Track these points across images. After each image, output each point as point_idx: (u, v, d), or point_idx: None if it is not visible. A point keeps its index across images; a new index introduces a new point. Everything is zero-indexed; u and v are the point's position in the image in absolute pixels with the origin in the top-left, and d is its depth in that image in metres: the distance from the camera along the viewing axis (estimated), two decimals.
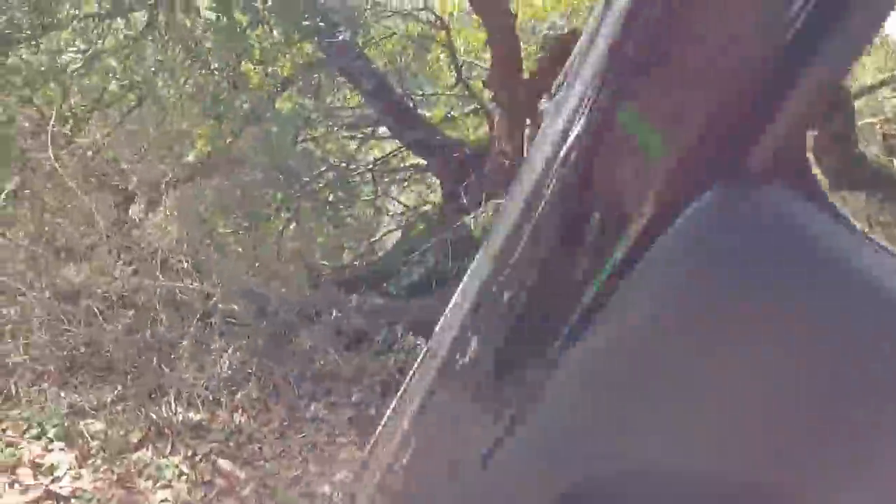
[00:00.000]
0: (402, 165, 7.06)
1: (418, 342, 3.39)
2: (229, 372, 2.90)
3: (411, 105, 6.40)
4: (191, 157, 5.24)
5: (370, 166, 6.41)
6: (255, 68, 5.03)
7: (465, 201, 5.20)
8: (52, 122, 3.58)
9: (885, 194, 4.64)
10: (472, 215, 4.75)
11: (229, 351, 3.01)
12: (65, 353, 3.03)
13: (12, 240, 3.20)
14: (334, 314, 3.48)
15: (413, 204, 6.80)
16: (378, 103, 5.52)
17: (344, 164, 6.05)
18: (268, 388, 2.95)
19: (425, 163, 6.97)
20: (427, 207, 6.36)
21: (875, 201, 4.65)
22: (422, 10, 6.48)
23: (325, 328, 3.35)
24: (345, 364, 3.18)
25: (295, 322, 3.36)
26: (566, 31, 7.97)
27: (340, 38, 4.71)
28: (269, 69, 5.03)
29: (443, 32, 6.31)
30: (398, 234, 6.04)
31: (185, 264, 3.46)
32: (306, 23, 4.32)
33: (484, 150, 6.04)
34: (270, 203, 5.28)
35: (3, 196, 3.21)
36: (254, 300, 3.41)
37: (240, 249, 4.30)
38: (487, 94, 7.18)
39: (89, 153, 4.11)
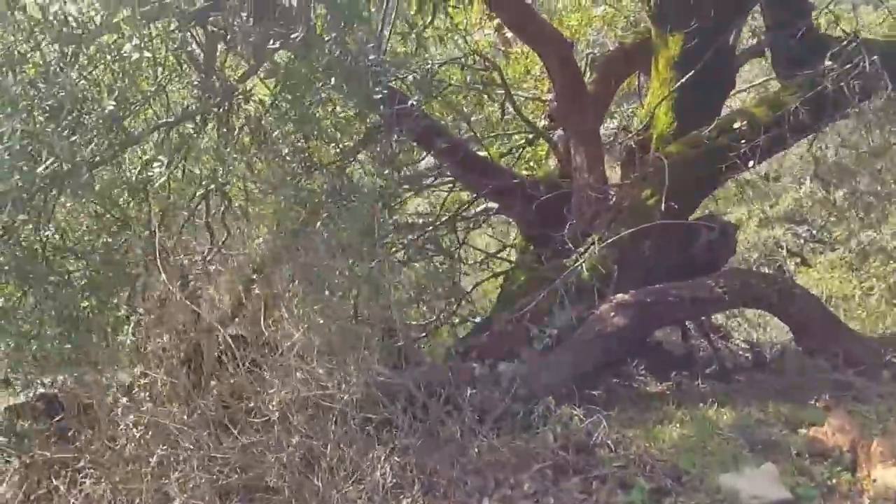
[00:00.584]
0: (473, 212, 6.92)
1: (574, 412, 3.19)
2: (392, 480, 2.72)
3: (476, 151, 6.27)
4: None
5: (445, 219, 6.28)
6: (326, 146, 4.97)
7: (558, 242, 4.98)
8: (155, 244, 3.52)
9: None
10: (574, 256, 4.53)
11: (384, 455, 2.84)
12: (218, 481, 2.91)
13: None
14: (473, 391, 3.30)
15: (494, 249, 6.63)
16: (450, 158, 5.40)
17: (421, 222, 5.93)
18: (434, 489, 2.77)
19: (495, 205, 6.81)
20: (510, 254, 6.17)
21: None
22: (471, 53, 6.38)
23: (471, 409, 3.17)
24: (503, 448, 2.98)
25: (438, 408, 3.18)
26: (609, 48, 7.81)
27: (410, 103, 4.61)
28: (341, 144, 4.94)
29: (495, 73, 6.19)
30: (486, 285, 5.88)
31: (311, 363, 3.32)
32: (377, 96, 4.25)
33: (555, 184, 5.84)
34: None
35: (130, 328, 3.14)
36: (390, 390, 3.24)
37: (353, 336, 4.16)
38: (545, 124, 7.03)
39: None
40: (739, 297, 4.35)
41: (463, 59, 6.45)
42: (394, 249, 5.82)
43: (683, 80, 5.52)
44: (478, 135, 6.52)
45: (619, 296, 4.01)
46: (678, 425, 3.32)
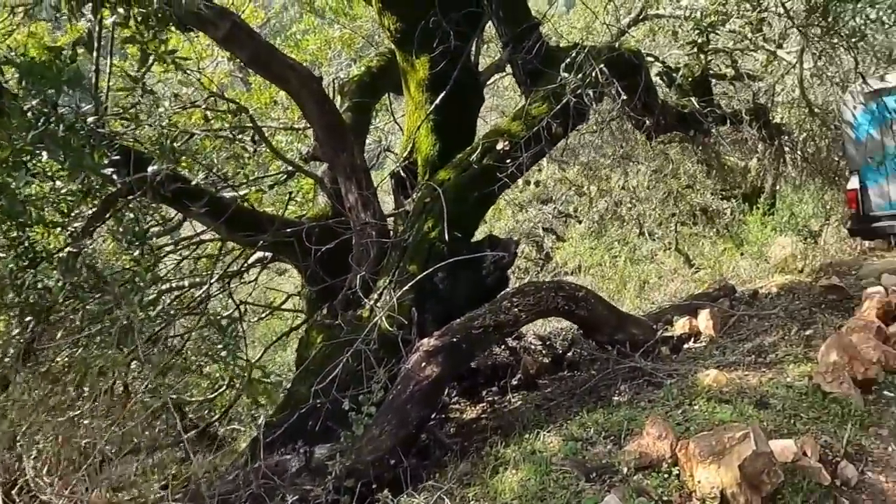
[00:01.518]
0: (245, 265, 6.26)
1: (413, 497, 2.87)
2: None
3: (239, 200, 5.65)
4: None
5: (217, 283, 5.56)
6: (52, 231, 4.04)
7: (348, 289, 4.63)
8: None
9: None
10: (370, 306, 4.21)
11: None
12: None
13: None
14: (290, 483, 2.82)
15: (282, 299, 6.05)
16: (211, 219, 4.76)
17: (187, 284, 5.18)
18: None
19: (268, 255, 6.24)
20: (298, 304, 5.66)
21: None
22: (210, 96, 5.72)
23: None
24: None
25: None
26: (357, 70, 7.60)
27: (150, 168, 3.90)
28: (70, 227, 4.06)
29: (244, 115, 5.62)
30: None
31: None
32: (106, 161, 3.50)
33: (329, 227, 5.47)
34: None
35: None
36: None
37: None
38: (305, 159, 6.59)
39: None
40: (535, 312, 4.40)
41: (202, 104, 5.77)
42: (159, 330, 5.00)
43: (437, 101, 5.49)
44: (233, 184, 5.88)
45: (426, 342, 3.79)
46: (514, 470, 3.19)
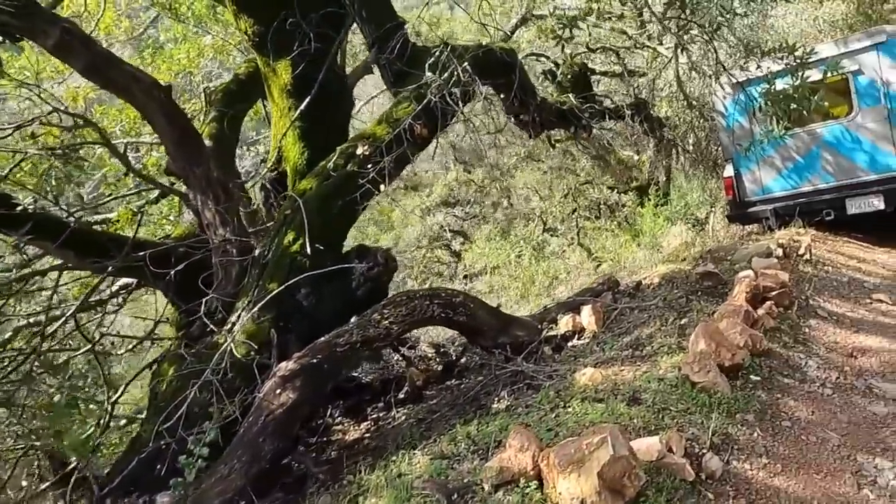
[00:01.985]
0: (108, 293, 5.73)
1: None
2: None
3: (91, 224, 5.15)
4: None
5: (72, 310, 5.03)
6: None
7: (209, 311, 4.26)
8: None
9: None
10: (223, 333, 3.87)
11: None
12: None
13: None
14: None
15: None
16: (60, 253, 4.28)
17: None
18: None
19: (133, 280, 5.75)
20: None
21: None
22: (51, 112, 5.19)
23: None
24: None
25: None
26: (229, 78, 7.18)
27: None
28: None
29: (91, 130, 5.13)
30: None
31: None
32: None
33: (190, 243, 5.08)
34: None
35: None
36: None
37: None
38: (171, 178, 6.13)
39: None
40: (409, 322, 4.18)
41: (43, 119, 5.23)
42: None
43: (302, 107, 5.20)
44: (88, 205, 5.37)
45: (283, 366, 3.50)
46: (374, 498, 2.96)
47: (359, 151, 4.27)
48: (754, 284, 4.84)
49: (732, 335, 4.05)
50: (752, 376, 3.86)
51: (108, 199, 6.50)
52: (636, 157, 13.92)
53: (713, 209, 11.44)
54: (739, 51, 7.07)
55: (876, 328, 5.05)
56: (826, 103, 5.92)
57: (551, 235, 17.60)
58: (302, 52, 5.17)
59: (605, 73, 12.24)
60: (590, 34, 11.60)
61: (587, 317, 5.20)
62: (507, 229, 18.23)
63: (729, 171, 8.31)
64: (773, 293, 4.95)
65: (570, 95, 7.20)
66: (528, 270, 15.73)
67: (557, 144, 12.72)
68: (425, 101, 4.47)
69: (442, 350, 6.19)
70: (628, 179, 15.34)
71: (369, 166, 4.19)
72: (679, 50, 8.09)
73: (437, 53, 4.89)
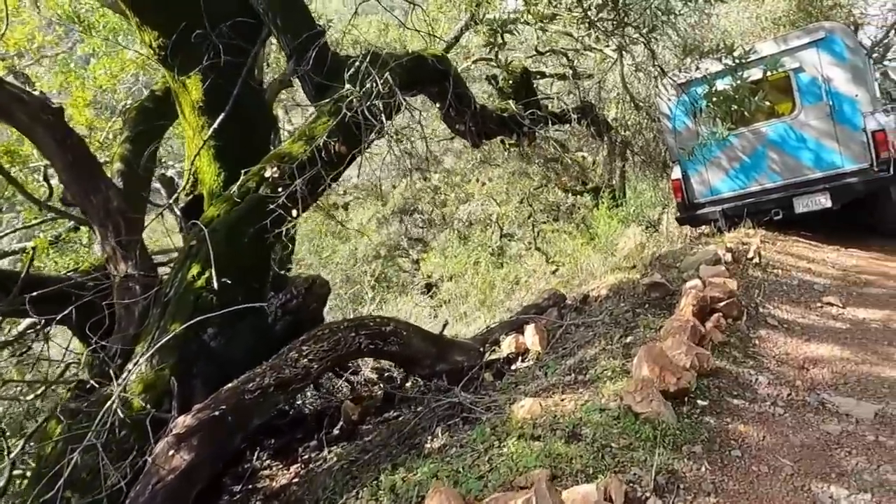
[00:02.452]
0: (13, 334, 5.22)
1: None
2: None
3: None
4: None
5: None
6: None
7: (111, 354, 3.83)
8: None
9: None
10: (121, 383, 3.44)
11: None
12: None
13: None
14: None
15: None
16: None
17: None
18: None
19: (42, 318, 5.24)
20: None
21: None
22: None
23: None
24: None
25: None
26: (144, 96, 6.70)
27: None
28: None
29: None
30: None
31: None
32: None
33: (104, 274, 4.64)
34: None
35: None
36: None
37: None
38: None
39: None
40: (332, 358, 3.81)
41: None
42: None
43: (215, 124, 4.80)
44: None
45: (179, 421, 3.09)
46: None
47: (267, 174, 3.88)
48: (701, 296, 4.60)
49: (678, 356, 3.78)
50: (699, 401, 3.59)
51: (21, 227, 5.96)
52: (591, 159, 13.78)
53: (665, 210, 11.33)
54: (678, 52, 6.88)
55: (827, 334, 4.86)
56: (768, 103, 5.76)
57: (509, 240, 17.39)
58: (212, 65, 4.77)
59: (553, 77, 12.06)
60: (538, 38, 11.42)
61: (531, 337, 4.90)
62: (465, 236, 17.97)
63: (676, 173, 8.14)
64: (722, 304, 4.72)
65: (511, 102, 6.93)
66: (486, 277, 15.48)
67: (512, 148, 12.52)
68: (340, 116, 4.10)
69: (386, 374, 5.83)
70: (584, 181, 15.22)
71: (280, 189, 3.81)
72: (622, 51, 7.92)
73: (357, 63, 4.53)
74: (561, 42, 11.02)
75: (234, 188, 3.95)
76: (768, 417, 3.69)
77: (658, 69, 6.97)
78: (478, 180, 17.57)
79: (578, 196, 15.25)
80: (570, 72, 11.03)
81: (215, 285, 3.63)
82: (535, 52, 11.47)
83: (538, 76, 12.46)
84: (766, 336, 4.68)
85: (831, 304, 5.44)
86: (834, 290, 5.80)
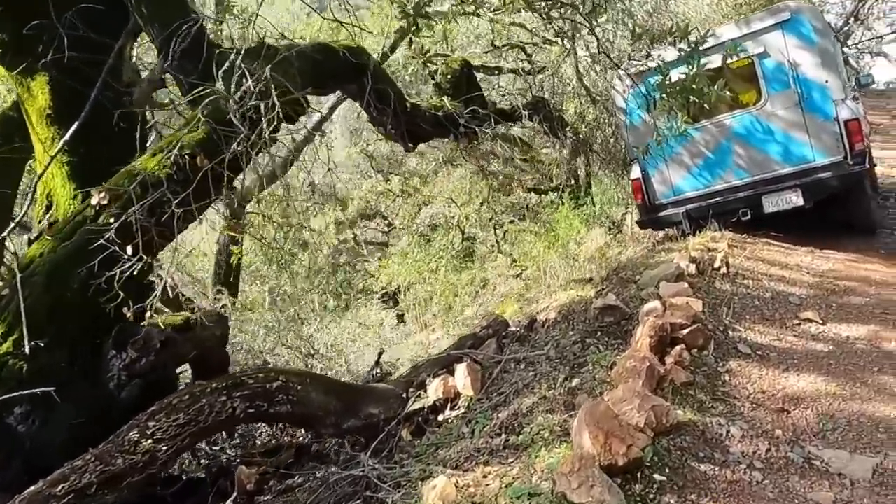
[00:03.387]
0: None
1: None
2: None
3: None
4: None
5: None
6: None
7: None
8: None
9: None
10: None
11: None
12: None
13: None
14: None
15: None
16: None
17: None
18: None
19: None
20: None
21: None
22: None
23: None
24: None
25: None
26: None
27: None
28: None
29: None
30: None
31: None
32: None
33: None
34: None
35: None
36: None
37: None
38: None
39: None
40: (191, 434, 2.94)
41: None
42: None
43: (67, 136, 3.88)
44: None
45: None
46: None
47: (94, 201, 2.99)
48: (660, 325, 3.80)
49: (629, 413, 2.98)
50: (655, 475, 2.79)
51: None
52: (555, 157, 13.01)
53: (629, 209, 10.61)
54: (627, 38, 6.12)
55: (808, 361, 4.12)
56: (729, 93, 5.00)
57: (471, 243, 16.60)
58: (66, 65, 3.86)
59: (506, 72, 11.26)
60: (492, 30, 10.61)
61: (462, 378, 4.07)
62: (428, 239, 17.15)
63: (635, 172, 7.38)
64: (684, 332, 3.94)
65: (446, 99, 6.11)
66: (447, 284, 14.66)
67: (467, 148, 11.69)
68: (195, 121, 3.23)
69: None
70: (550, 179, 14.47)
71: (112, 221, 2.92)
72: (573, 39, 7.14)
73: (233, 57, 3.66)
74: (519, 35, 10.24)
75: (78, 217, 3.05)
76: (744, 487, 2.91)
77: (605, 57, 6.20)
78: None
79: (543, 195, 14.53)
80: (524, 66, 10.24)
81: (27, 349, 2.74)
82: (492, 47, 10.70)
83: (496, 72, 11.67)
84: (737, 369, 3.92)
85: (810, 321, 4.71)
86: (812, 303, 5.07)
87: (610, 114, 9.26)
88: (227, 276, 9.61)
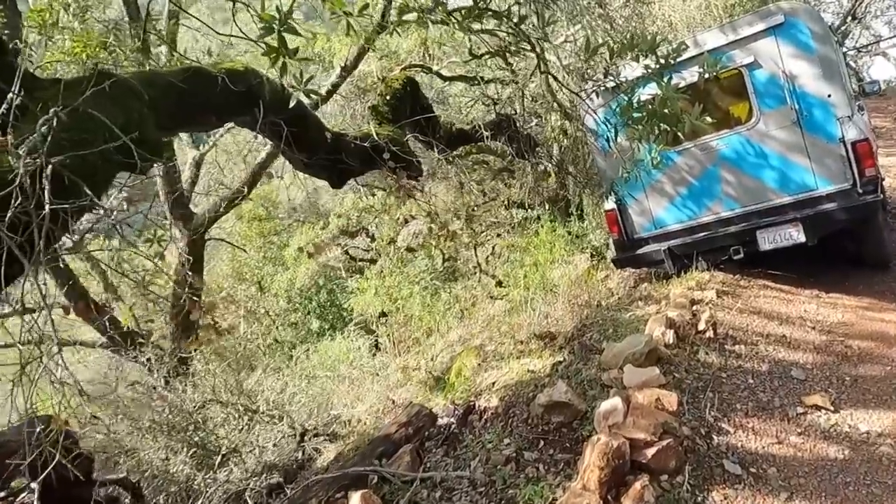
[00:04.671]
0: None
1: None
2: None
3: None
4: None
5: None
6: None
7: None
8: None
9: None
10: None
11: None
12: None
13: None
14: None
15: None
16: None
17: None
18: None
19: None
20: None
21: None
22: None
23: None
24: None
25: None
26: None
27: None
28: None
29: None
30: None
31: None
32: None
33: None
34: None
35: None
36: None
37: None
38: None
39: None
40: None
41: None
42: None
43: None
44: None
45: None
46: None
47: None
48: (615, 448, 2.74)
49: None
50: None
51: None
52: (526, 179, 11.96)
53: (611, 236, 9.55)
54: (580, 52, 5.09)
55: (817, 478, 3.06)
56: (710, 116, 3.95)
57: (452, 263, 15.56)
58: None
59: (474, 82, 10.21)
60: (469, 39, 9.60)
61: None
62: (407, 260, 16.10)
63: (610, 203, 6.33)
64: (651, 453, 2.88)
65: (373, 127, 5.06)
66: (427, 308, 13.60)
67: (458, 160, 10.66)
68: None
69: None
70: (539, 193, 13.43)
71: None
72: (538, 49, 6.11)
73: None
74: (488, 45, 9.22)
75: None
76: None
77: (570, 73, 5.17)
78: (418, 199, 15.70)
79: (528, 210, 13.51)
80: (499, 75, 9.20)
81: None
82: (469, 56, 9.70)
83: (477, 81, 10.63)
84: (723, 502, 2.86)
85: (818, 408, 3.66)
86: (819, 378, 4.01)
87: (585, 133, 8.23)
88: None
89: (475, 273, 14.72)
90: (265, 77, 4.19)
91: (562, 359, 4.34)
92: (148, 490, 5.97)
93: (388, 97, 5.84)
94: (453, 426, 3.73)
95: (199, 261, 9.45)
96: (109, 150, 2.77)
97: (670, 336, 4.11)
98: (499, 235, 15.21)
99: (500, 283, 13.20)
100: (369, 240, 18.19)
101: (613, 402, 3.20)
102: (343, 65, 9.71)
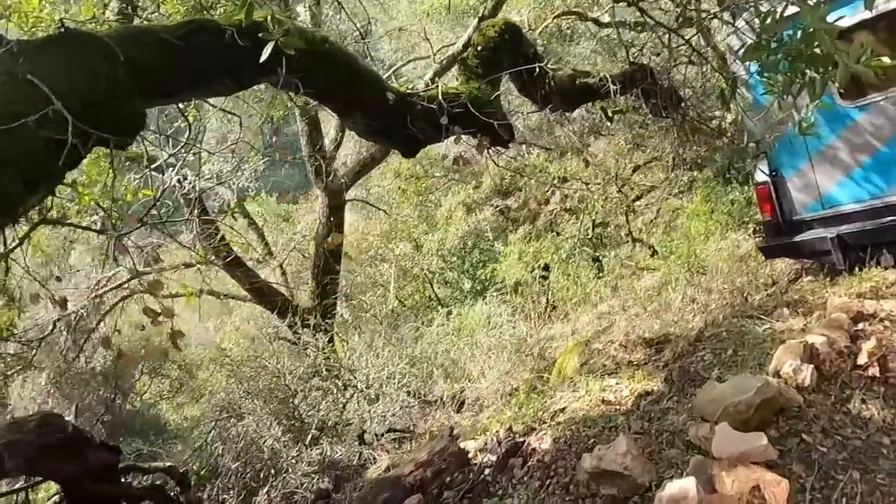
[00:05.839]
0: None
1: None
2: None
3: None
4: None
5: None
6: None
7: None
8: None
9: None
10: None
11: None
12: None
13: None
14: None
15: None
16: None
17: None
18: None
19: None
20: None
21: None
22: None
23: None
24: None
25: None
26: None
27: None
28: None
29: None
30: None
31: None
32: None
33: None
34: None
35: None
36: None
37: None
38: None
39: None
40: None
41: None
42: None
43: None
44: None
45: None
46: None
47: None
48: None
49: None
50: None
51: None
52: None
53: None
54: None
55: None
56: (887, 59, 2.56)
57: (603, 231, 14.18)
58: None
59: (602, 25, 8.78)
60: None
61: None
62: (557, 224, 15.01)
63: (762, 174, 4.89)
64: None
65: (458, 84, 4.14)
66: (572, 278, 12.51)
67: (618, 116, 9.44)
68: None
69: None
70: (708, 150, 11.65)
71: None
72: None
73: None
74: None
75: None
76: None
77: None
78: (584, 160, 14.36)
79: (698, 170, 11.77)
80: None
81: None
82: None
83: (640, 27, 9.13)
84: None
85: None
86: None
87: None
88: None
89: (627, 241, 13.28)
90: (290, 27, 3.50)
91: (654, 387, 3.27)
92: (238, 464, 5.90)
93: (478, 48, 4.90)
94: (486, 473, 2.90)
95: (340, 221, 9.39)
96: (53, 124, 2.28)
97: (807, 375, 2.86)
98: (666, 198, 13.56)
99: (654, 253, 11.73)
100: (518, 203, 17.29)
101: (684, 485, 2.16)
102: (480, 15, 8.75)
